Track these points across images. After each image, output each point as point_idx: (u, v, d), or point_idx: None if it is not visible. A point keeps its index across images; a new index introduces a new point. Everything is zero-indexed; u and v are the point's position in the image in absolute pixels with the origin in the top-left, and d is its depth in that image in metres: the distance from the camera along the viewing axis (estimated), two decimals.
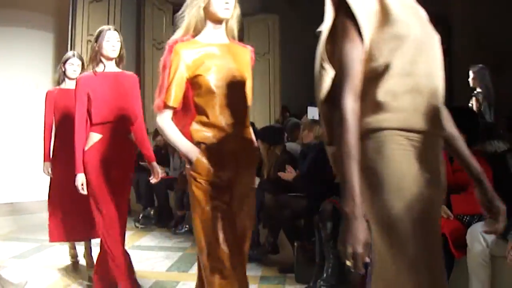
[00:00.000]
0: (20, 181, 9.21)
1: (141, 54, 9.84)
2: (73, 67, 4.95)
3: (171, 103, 2.81)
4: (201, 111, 2.84)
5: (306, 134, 5.27)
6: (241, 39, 3.17)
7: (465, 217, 3.77)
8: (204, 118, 2.82)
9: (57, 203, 5.04)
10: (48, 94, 5.03)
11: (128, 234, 6.61)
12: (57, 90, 4.98)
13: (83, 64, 4.95)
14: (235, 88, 2.89)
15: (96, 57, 4.07)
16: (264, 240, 5.30)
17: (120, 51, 4.23)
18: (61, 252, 5.75)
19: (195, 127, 2.84)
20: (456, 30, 9.39)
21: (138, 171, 7.97)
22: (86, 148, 3.92)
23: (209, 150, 2.80)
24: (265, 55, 11.41)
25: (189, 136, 2.84)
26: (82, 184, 3.90)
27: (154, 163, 4.30)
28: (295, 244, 4.80)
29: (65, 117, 4.86)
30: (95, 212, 3.95)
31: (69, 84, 4.90)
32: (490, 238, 3.51)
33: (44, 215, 5.44)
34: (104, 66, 4.09)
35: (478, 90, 6.78)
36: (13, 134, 9.19)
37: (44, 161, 5.12)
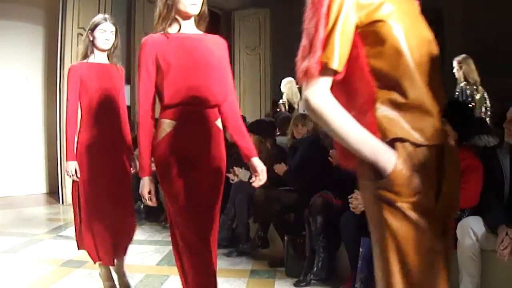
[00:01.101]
0: (10, 175, 9.18)
1: (132, 48, 9.79)
2: (104, 34, 3.95)
3: (334, 64, 1.62)
4: (389, 83, 1.66)
5: (300, 129, 5.26)
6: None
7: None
8: (397, 97, 1.64)
9: (94, 215, 3.92)
10: (71, 70, 3.96)
11: None
12: (85, 66, 3.96)
13: (116, 32, 4.04)
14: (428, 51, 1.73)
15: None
16: (254, 234, 5.31)
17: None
18: (50, 246, 5.74)
19: (383, 111, 1.64)
20: (446, 21, 9.44)
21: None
22: (159, 139, 2.89)
23: (413, 153, 1.63)
24: (256, 49, 11.40)
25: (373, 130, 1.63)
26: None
27: (255, 159, 3.10)
28: (285, 238, 4.81)
29: (96, 100, 3.92)
30: (176, 232, 2.96)
31: (99, 57, 4.02)
32: (480, 232, 3.54)
33: (34, 209, 5.42)
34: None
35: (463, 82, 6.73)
36: (3, 127, 9.15)
37: (67, 159, 3.92)
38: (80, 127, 3.97)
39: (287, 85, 9.00)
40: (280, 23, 11.30)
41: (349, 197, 4.20)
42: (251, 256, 5.31)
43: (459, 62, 6.74)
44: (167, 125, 2.89)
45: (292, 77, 7.24)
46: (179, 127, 2.87)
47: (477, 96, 6.60)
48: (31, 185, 9.42)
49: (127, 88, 9.34)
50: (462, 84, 6.71)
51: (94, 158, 3.90)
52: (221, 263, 5.11)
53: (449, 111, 3.93)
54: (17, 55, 9.27)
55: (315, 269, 4.41)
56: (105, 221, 3.90)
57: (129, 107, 9.56)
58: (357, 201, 4.12)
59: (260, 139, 5.53)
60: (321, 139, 5.27)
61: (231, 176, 5.65)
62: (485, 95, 6.63)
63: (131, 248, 5.58)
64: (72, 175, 3.87)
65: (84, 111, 3.97)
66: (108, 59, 4.05)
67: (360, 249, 4.05)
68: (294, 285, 4.44)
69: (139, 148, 2.93)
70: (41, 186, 9.60)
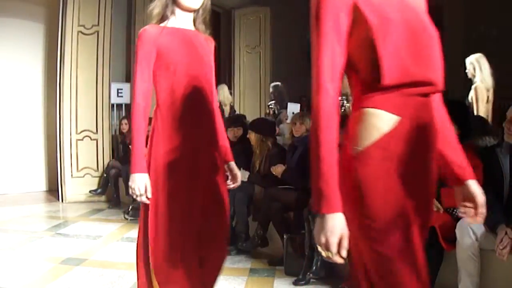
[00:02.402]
0: (10, 172, 9.18)
1: (132, 47, 9.78)
2: None
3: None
4: None
5: (298, 127, 5.26)
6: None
7: (454, 210, 3.78)
8: None
9: (178, 252, 2.81)
10: (144, 37, 2.76)
11: (117, 226, 6.66)
12: (165, 32, 2.80)
13: None
14: None
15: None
16: (253, 233, 5.31)
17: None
18: (50, 244, 5.74)
19: None
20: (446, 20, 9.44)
21: (127, 162, 7.97)
22: (367, 143, 1.73)
23: None
24: (256, 48, 11.39)
25: None
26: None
27: None
28: (285, 236, 4.81)
29: (182, 84, 2.82)
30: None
31: (183, 21, 2.88)
32: (480, 231, 3.54)
33: (34, 207, 5.41)
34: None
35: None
36: (3, 125, 9.15)
37: (133, 170, 2.72)
38: (154, 123, 2.86)
39: (220, 90, 8.86)
40: (280, 22, 11.31)
41: None
42: (251, 255, 5.30)
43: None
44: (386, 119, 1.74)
45: (293, 75, 7.26)
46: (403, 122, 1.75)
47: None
48: (31, 183, 9.42)
49: (126, 87, 9.39)
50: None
51: (180, 172, 2.81)
52: None
53: (450, 110, 3.97)
54: (17, 52, 9.26)
55: (314, 267, 4.42)
56: (193, 261, 2.88)
57: (128, 105, 9.61)
58: None
59: (261, 137, 5.53)
60: None
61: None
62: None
63: (131, 246, 5.60)
64: (140, 195, 2.73)
65: (162, 99, 2.84)
66: (194, 25, 2.95)
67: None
68: (293, 283, 4.44)
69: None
70: (41, 184, 9.59)
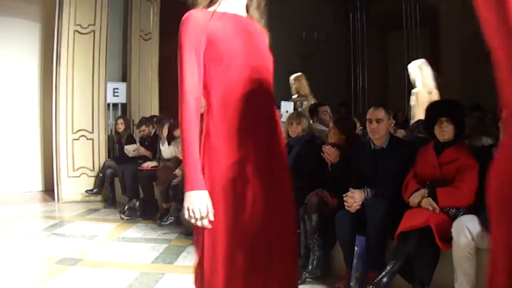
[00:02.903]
0: (6, 172, 9.18)
1: (128, 45, 9.78)
2: None
3: None
4: None
5: (295, 127, 5.25)
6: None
7: (450, 210, 3.79)
8: None
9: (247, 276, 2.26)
10: (190, 22, 2.24)
11: (113, 226, 6.66)
12: (217, 16, 2.31)
13: None
14: None
15: None
16: None
17: None
18: (46, 244, 5.73)
19: None
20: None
21: (123, 162, 7.97)
22: None
23: None
24: None
25: None
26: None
27: None
28: None
29: (241, 81, 2.30)
30: None
31: (235, 6, 2.40)
32: (476, 231, 3.54)
33: (29, 207, 5.40)
34: None
35: None
36: None
37: (188, 187, 2.19)
38: (206, 129, 2.32)
39: None
40: (273, 20, 11.30)
41: (344, 195, 4.21)
42: None
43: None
44: None
45: (285, 74, 7.32)
46: None
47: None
48: (27, 182, 9.41)
49: (122, 86, 9.39)
50: None
51: (244, 188, 2.26)
52: None
53: (447, 109, 3.99)
54: (14, 51, 9.25)
55: (310, 267, 4.41)
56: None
57: (124, 105, 9.63)
58: (352, 200, 4.14)
59: None
60: (316, 138, 5.28)
61: None
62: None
63: (127, 246, 5.60)
64: (201, 218, 2.18)
65: (216, 98, 2.31)
66: (247, 11, 2.48)
67: (355, 247, 4.07)
68: None
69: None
70: (37, 184, 9.58)
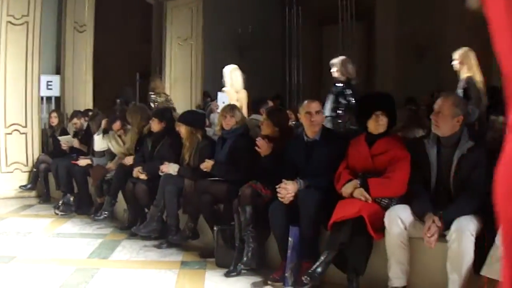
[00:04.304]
0: None
1: (62, 37, 9.62)
2: None
3: None
4: None
5: (228, 120, 5.28)
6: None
7: (383, 200, 3.89)
8: None
9: None
10: None
11: (48, 221, 6.56)
12: None
13: None
14: None
15: None
16: (184, 226, 5.33)
17: None
18: (43, 243, 5.63)
19: None
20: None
21: (56, 157, 7.86)
22: None
23: None
24: (188, 40, 11.29)
25: None
26: None
27: None
28: (215, 228, 4.86)
29: None
30: None
31: None
32: (408, 220, 3.65)
33: None
34: None
35: None
36: None
37: None
38: None
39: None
40: (212, 14, 11.34)
41: (277, 186, 4.27)
42: (182, 247, 5.29)
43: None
44: None
45: (222, 67, 7.34)
46: None
47: None
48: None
49: (56, 79, 9.22)
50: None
51: None
52: (152, 255, 5.13)
53: (379, 102, 4.12)
54: None
55: (245, 259, 4.43)
56: None
57: (58, 98, 9.46)
58: (285, 191, 4.20)
59: (190, 130, 5.55)
60: (249, 130, 5.35)
61: (162, 168, 5.63)
62: None
63: (62, 241, 5.54)
64: None
65: None
66: None
67: (289, 238, 4.14)
68: (225, 275, 4.46)
69: None
70: None
